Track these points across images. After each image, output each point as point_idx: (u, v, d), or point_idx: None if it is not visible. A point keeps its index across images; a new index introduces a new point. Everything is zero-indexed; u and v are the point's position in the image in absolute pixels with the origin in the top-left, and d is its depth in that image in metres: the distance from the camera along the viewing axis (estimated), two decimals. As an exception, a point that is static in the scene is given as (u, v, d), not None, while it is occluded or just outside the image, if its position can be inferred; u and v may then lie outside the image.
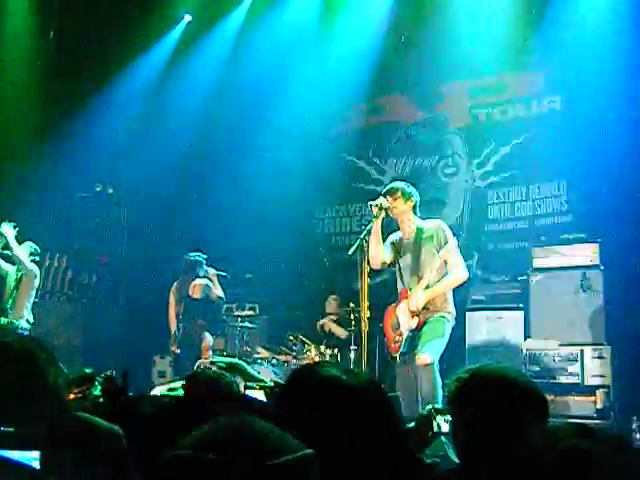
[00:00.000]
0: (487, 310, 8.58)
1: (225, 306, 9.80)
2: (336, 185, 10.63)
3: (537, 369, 7.81)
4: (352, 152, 10.65)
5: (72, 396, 3.14)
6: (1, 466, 1.69)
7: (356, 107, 10.26)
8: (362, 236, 6.35)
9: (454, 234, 6.51)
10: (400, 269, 6.67)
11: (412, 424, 2.96)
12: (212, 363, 3.22)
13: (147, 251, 10.90)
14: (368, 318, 6.43)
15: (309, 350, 8.50)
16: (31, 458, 1.77)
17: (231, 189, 10.67)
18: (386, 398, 1.95)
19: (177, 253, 9.70)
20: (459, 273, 6.49)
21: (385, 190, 6.57)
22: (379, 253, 6.53)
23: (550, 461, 1.49)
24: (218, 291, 9.22)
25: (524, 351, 7.95)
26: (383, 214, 6.42)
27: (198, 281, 9.20)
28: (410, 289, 6.48)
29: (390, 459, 1.81)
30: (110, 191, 10.96)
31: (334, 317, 9.35)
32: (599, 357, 7.59)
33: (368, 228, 6.38)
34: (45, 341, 2.33)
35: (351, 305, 8.09)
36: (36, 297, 8.41)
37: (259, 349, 9.20)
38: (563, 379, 7.71)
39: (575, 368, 7.68)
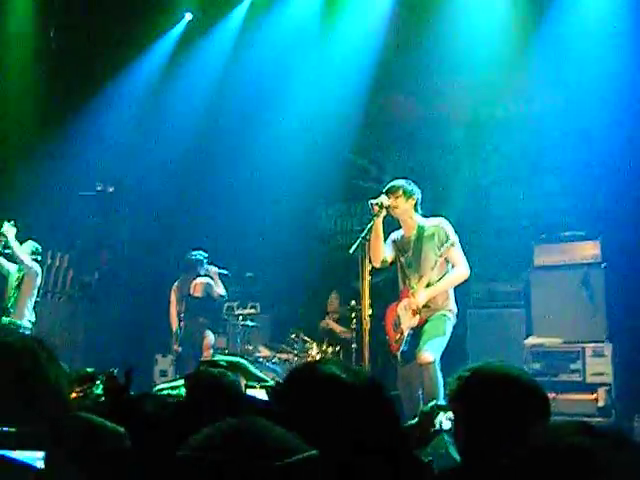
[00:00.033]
0: (489, 308, 8.59)
1: (226, 304, 9.82)
2: (337, 183, 10.62)
3: (538, 367, 7.81)
4: (353, 150, 10.64)
5: (74, 395, 3.14)
6: (5, 466, 1.70)
7: (357, 105, 10.24)
8: (363, 234, 6.34)
9: (455, 232, 6.51)
10: (401, 267, 6.67)
11: (414, 421, 2.96)
12: (214, 362, 3.21)
13: (148, 250, 10.91)
14: (369, 316, 6.43)
15: (310, 348, 8.50)
16: (35, 458, 1.77)
17: (232, 187, 10.67)
18: (386, 396, 1.95)
19: (178, 252, 9.70)
20: (460, 271, 6.49)
21: (386, 188, 6.56)
22: (380, 251, 6.53)
23: (551, 459, 1.49)
24: (219, 289, 9.22)
25: (526, 349, 7.95)
26: (384, 212, 6.41)
27: (199, 279, 9.21)
28: (411, 287, 6.48)
29: (389, 458, 1.81)
30: (111, 190, 10.97)
31: (335, 315, 9.35)
32: (600, 355, 7.59)
33: (369, 226, 6.37)
34: (46, 340, 2.34)
35: (352, 303, 8.09)
36: (38, 296, 8.42)
37: (261, 347, 9.20)
38: (565, 377, 7.72)
39: (576, 366, 7.68)
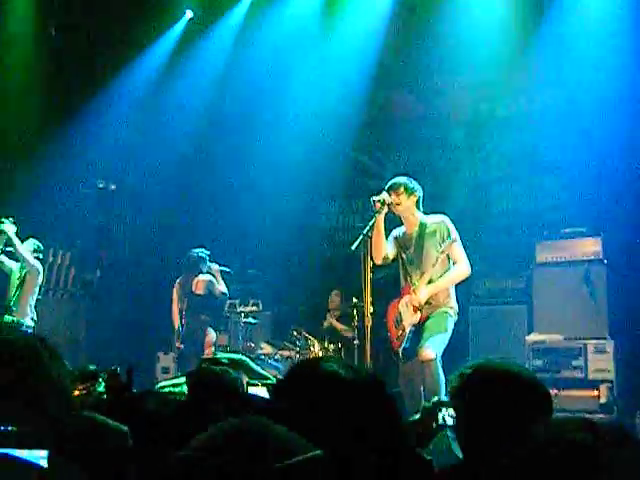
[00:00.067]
0: (490, 305, 8.59)
1: (228, 302, 9.82)
2: (338, 181, 10.62)
3: (540, 363, 7.82)
4: (354, 147, 10.65)
5: (77, 393, 3.15)
6: (9, 465, 1.70)
7: (358, 104, 10.24)
8: (365, 231, 6.34)
9: (456, 229, 6.52)
10: (403, 264, 6.67)
11: (416, 416, 2.96)
12: (216, 359, 3.22)
13: (150, 248, 10.92)
14: (371, 313, 6.44)
15: (312, 345, 8.51)
16: (38, 457, 1.77)
17: (233, 185, 10.69)
18: (387, 394, 1.94)
19: (180, 249, 9.71)
20: (462, 268, 6.49)
21: (388, 185, 6.56)
22: (382, 248, 6.53)
23: (553, 455, 1.49)
24: (221, 287, 9.22)
25: (527, 346, 7.95)
26: (386, 209, 6.41)
27: (201, 277, 9.21)
28: (413, 284, 6.48)
29: (390, 455, 1.81)
30: (112, 187, 10.97)
31: (337, 313, 9.36)
32: (602, 351, 7.59)
33: (371, 223, 6.37)
34: (48, 338, 2.33)
35: (354, 300, 8.10)
36: (39, 294, 8.43)
37: (262, 345, 9.21)
38: (567, 373, 7.72)
39: (579, 362, 7.68)
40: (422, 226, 6.55)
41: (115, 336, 10.15)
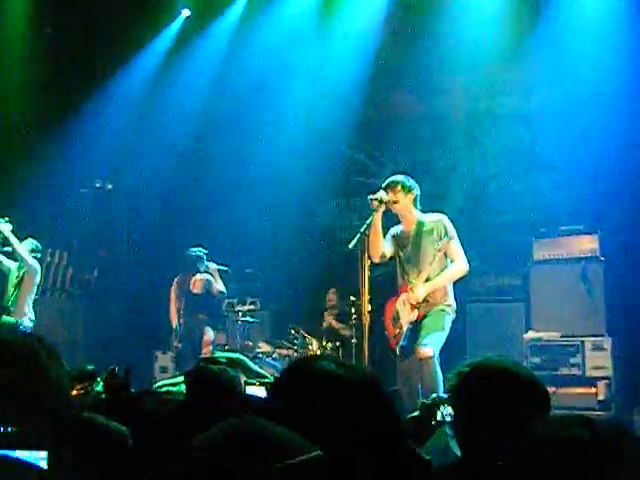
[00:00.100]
0: (488, 302, 8.60)
1: (226, 301, 9.82)
2: (336, 179, 10.61)
3: (538, 361, 7.83)
4: (352, 146, 10.64)
5: (75, 393, 3.15)
6: (8, 466, 1.70)
7: (356, 102, 10.23)
8: (362, 230, 6.35)
9: (454, 227, 6.53)
10: (401, 262, 6.68)
11: (415, 413, 2.97)
12: (213, 359, 3.22)
13: (147, 247, 10.91)
14: (369, 312, 6.44)
15: (310, 344, 8.51)
16: (38, 458, 1.77)
17: (231, 184, 10.67)
18: (383, 393, 1.94)
19: (178, 248, 9.70)
20: (460, 266, 6.50)
21: (385, 183, 6.57)
22: (379, 246, 6.54)
23: (551, 452, 1.49)
24: (219, 286, 9.22)
25: (525, 343, 7.96)
26: (383, 207, 6.42)
27: (199, 276, 9.21)
28: (410, 282, 6.49)
29: (387, 454, 1.81)
30: (109, 187, 10.95)
31: (334, 311, 9.36)
32: (600, 348, 7.60)
33: (368, 222, 6.37)
34: (46, 338, 2.34)
35: (351, 299, 8.10)
36: (37, 294, 8.42)
37: (261, 343, 9.20)
38: (565, 371, 7.74)
39: (576, 360, 7.69)
40: (420, 224, 6.56)
41: (113, 336, 10.13)
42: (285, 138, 10.16)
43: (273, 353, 8.76)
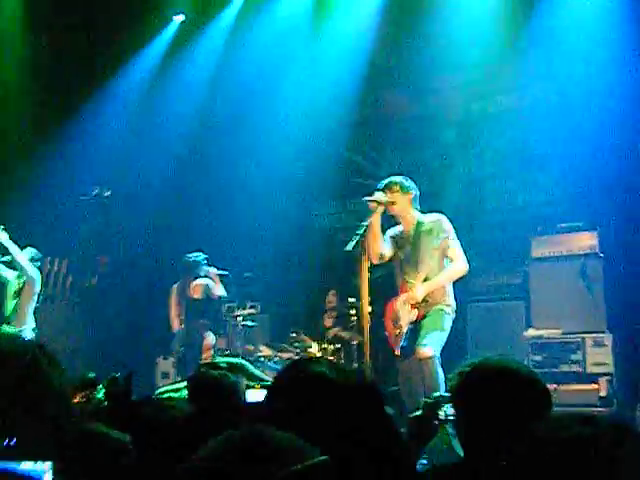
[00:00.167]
0: (487, 302, 8.60)
1: (226, 305, 9.81)
2: (333, 181, 10.62)
3: (539, 359, 7.83)
4: (348, 147, 10.64)
5: (76, 400, 3.14)
6: (10, 479, 1.70)
7: (350, 103, 10.24)
8: (361, 231, 6.34)
9: (453, 227, 6.53)
10: (400, 263, 6.68)
11: (418, 412, 2.97)
12: (214, 364, 3.21)
13: (147, 252, 10.91)
14: (369, 313, 6.44)
15: (311, 346, 8.51)
16: (42, 470, 1.77)
17: (228, 188, 10.68)
18: (376, 396, 1.94)
19: (177, 254, 9.70)
20: (459, 265, 6.50)
21: (383, 184, 6.57)
22: (378, 248, 6.54)
23: (552, 451, 1.49)
24: (219, 290, 9.22)
25: (526, 341, 7.96)
26: (381, 209, 6.42)
27: (198, 281, 9.21)
28: (409, 282, 6.49)
29: (379, 457, 1.80)
30: (107, 193, 10.94)
31: (334, 313, 9.34)
32: (601, 345, 7.60)
33: (366, 223, 6.37)
34: (47, 346, 2.34)
35: (352, 300, 8.10)
36: (37, 302, 8.40)
37: (262, 347, 9.19)
38: (565, 368, 7.73)
39: (577, 356, 7.69)
40: (419, 224, 6.56)
41: (114, 342, 10.13)
42: (282, 141, 10.17)
43: (274, 356, 8.76)
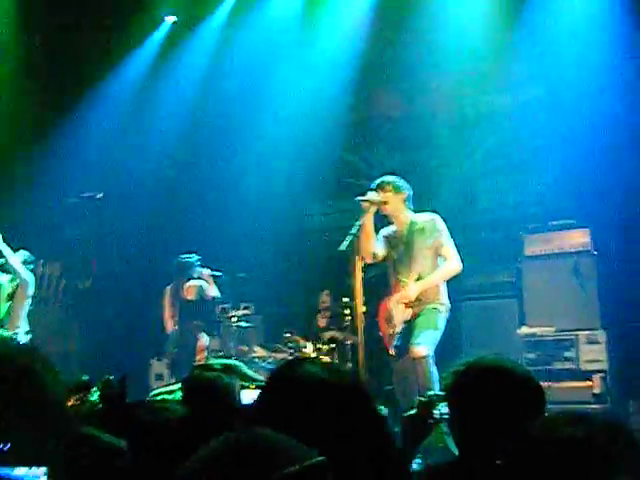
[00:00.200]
0: (481, 300, 8.61)
1: (220, 306, 9.80)
2: (326, 181, 10.61)
3: (533, 356, 7.84)
4: (341, 147, 10.63)
5: (70, 403, 3.13)
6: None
7: (343, 102, 10.24)
8: (354, 231, 6.35)
9: (446, 226, 6.54)
10: (393, 262, 6.69)
11: (413, 411, 2.97)
12: (208, 366, 3.21)
13: (140, 254, 10.88)
14: (363, 313, 6.45)
15: (305, 347, 8.51)
16: (37, 474, 1.76)
17: (221, 190, 10.66)
18: (367, 396, 1.94)
19: (170, 255, 9.68)
20: (452, 264, 6.51)
21: (376, 184, 6.58)
22: (371, 247, 6.55)
23: (547, 450, 1.50)
24: (213, 291, 9.21)
25: (520, 339, 7.97)
26: (374, 209, 6.43)
27: (191, 282, 9.19)
28: (402, 281, 6.50)
29: (369, 458, 1.80)
30: (99, 196, 10.92)
31: (327, 313, 9.34)
32: (594, 342, 7.62)
33: (359, 223, 6.38)
34: (41, 349, 2.33)
35: (345, 300, 8.10)
36: (31, 305, 8.37)
37: (256, 348, 9.19)
38: (559, 365, 7.75)
39: (571, 354, 7.71)
40: (412, 224, 6.57)
41: (108, 345, 10.10)
42: (274, 141, 10.16)
43: (269, 357, 8.75)
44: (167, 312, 9.28)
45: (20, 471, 1.76)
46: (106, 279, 11.13)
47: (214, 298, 9.22)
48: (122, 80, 10.86)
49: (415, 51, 9.38)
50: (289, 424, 1.61)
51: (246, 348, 9.13)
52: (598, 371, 7.53)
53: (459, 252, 6.56)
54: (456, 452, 2.38)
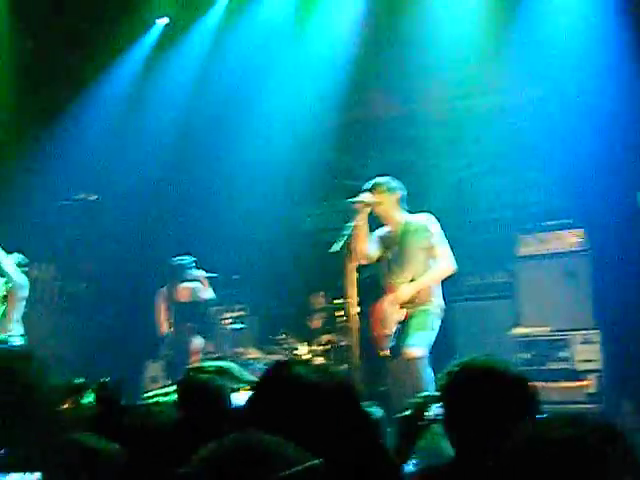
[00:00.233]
0: (475, 300, 8.62)
1: (215, 308, 9.79)
2: (319, 182, 10.60)
3: (528, 356, 7.84)
4: (335, 148, 10.63)
5: (65, 406, 3.13)
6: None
7: (336, 104, 10.24)
8: (347, 232, 6.35)
9: (440, 227, 6.55)
10: (387, 263, 6.69)
11: (407, 412, 2.97)
12: (202, 368, 3.21)
13: (134, 257, 10.86)
14: (357, 314, 6.45)
15: (299, 348, 8.51)
16: (31, 480, 1.76)
17: (214, 191, 10.65)
18: (355, 398, 1.94)
19: (164, 258, 9.67)
20: (444, 265, 6.51)
21: (369, 185, 6.58)
22: (365, 248, 6.55)
23: (541, 451, 1.50)
24: (207, 293, 9.20)
25: (513, 339, 7.98)
26: (367, 210, 6.43)
27: (185, 285, 9.18)
28: (396, 282, 6.50)
29: (357, 458, 1.80)
30: (93, 198, 10.91)
31: (322, 314, 9.34)
32: (589, 342, 7.63)
33: (352, 224, 6.38)
34: (36, 352, 2.33)
35: (339, 301, 8.09)
36: (25, 308, 8.35)
37: (251, 349, 9.18)
38: (554, 365, 7.75)
39: (565, 354, 7.72)
40: (406, 225, 6.58)
41: (102, 347, 10.09)
42: (267, 142, 10.15)
43: (264, 359, 8.74)
44: (161, 315, 9.26)
45: (14, 477, 1.76)
46: (100, 281, 11.11)
47: (208, 300, 9.21)
48: (115, 82, 10.85)
49: (408, 52, 9.38)
50: (278, 425, 1.61)
51: (241, 350, 9.12)
52: (592, 371, 7.54)
53: (453, 253, 6.56)
54: (451, 453, 2.39)
